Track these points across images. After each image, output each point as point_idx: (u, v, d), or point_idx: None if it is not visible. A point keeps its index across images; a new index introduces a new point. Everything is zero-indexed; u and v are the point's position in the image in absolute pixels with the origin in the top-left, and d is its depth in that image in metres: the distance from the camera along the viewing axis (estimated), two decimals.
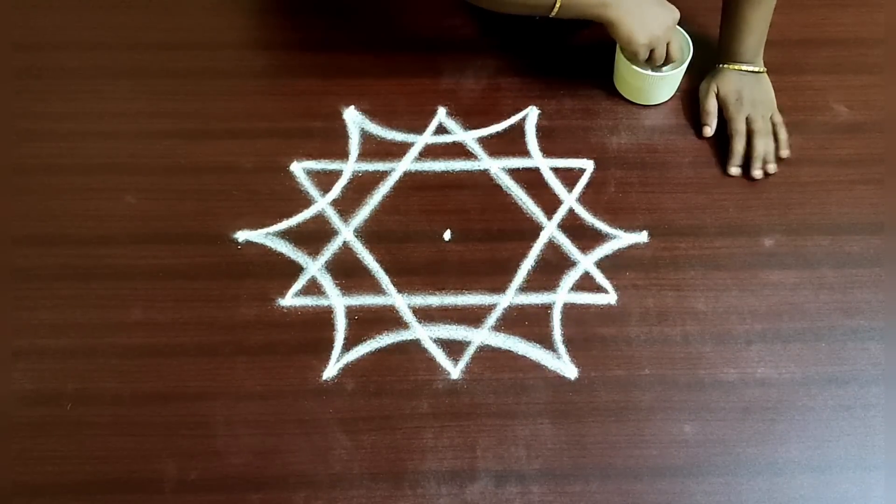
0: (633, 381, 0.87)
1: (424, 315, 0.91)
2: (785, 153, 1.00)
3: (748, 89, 1.01)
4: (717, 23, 1.03)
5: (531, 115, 1.04)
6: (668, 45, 0.97)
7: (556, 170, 1.00)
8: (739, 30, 1.00)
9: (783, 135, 1.00)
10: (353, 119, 1.03)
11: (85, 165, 1.00)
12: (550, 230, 0.96)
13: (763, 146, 0.99)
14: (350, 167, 1.00)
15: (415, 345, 0.89)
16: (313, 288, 0.92)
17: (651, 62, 0.98)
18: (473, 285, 0.92)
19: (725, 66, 1.02)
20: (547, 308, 0.91)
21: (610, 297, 0.92)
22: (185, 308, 0.91)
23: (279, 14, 1.13)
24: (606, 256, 0.94)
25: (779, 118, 1.02)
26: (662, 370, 0.87)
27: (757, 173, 0.99)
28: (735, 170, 0.99)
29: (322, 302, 0.91)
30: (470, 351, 0.89)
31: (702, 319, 0.90)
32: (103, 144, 1.02)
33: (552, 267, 0.93)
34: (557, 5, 0.93)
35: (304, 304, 0.91)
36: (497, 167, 1.00)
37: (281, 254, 0.94)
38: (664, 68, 1.02)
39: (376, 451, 0.83)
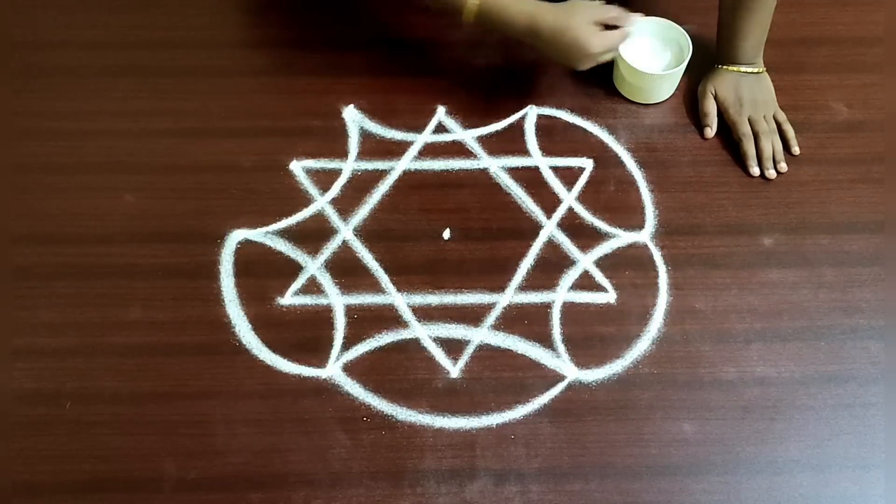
0: (633, 379, 0.87)
1: (424, 314, 0.91)
2: (795, 150, 1.00)
3: (747, 90, 1.01)
4: (717, 21, 1.03)
5: (531, 113, 1.04)
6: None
7: (555, 169, 1.00)
8: (735, 36, 1.00)
9: (790, 132, 1.01)
10: (353, 118, 1.03)
11: (84, 164, 1.00)
12: (550, 229, 0.96)
13: (769, 147, 0.99)
14: (349, 166, 1.00)
15: (414, 344, 0.89)
16: (313, 287, 0.92)
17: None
18: (473, 284, 0.92)
19: (723, 67, 1.02)
20: (546, 307, 0.91)
21: (609, 296, 0.92)
22: (184, 307, 0.90)
23: (278, 12, 1.13)
24: (606, 255, 0.94)
25: (782, 116, 1.02)
26: (662, 369, 0.87)
27: (770, 173, 0.99)
28: (756, 169, 0.99)
29: (321, 301, 0.91)
30: (469, 350, 0.89)
31: (701, 318, 0.90)
32: (102, 143, 1.02)
33: (551, 266, 0.93)
34: (470, 6, 0.90)
35: (303, 303, 0.91)
36: (496, 166, 1.00)
37: (280, 253, 0.94)
38: (661, 69, 1.02)
39: (376, 450, 0.83)
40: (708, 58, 1.04)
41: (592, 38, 0.91)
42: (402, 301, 0.91)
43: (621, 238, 0.95)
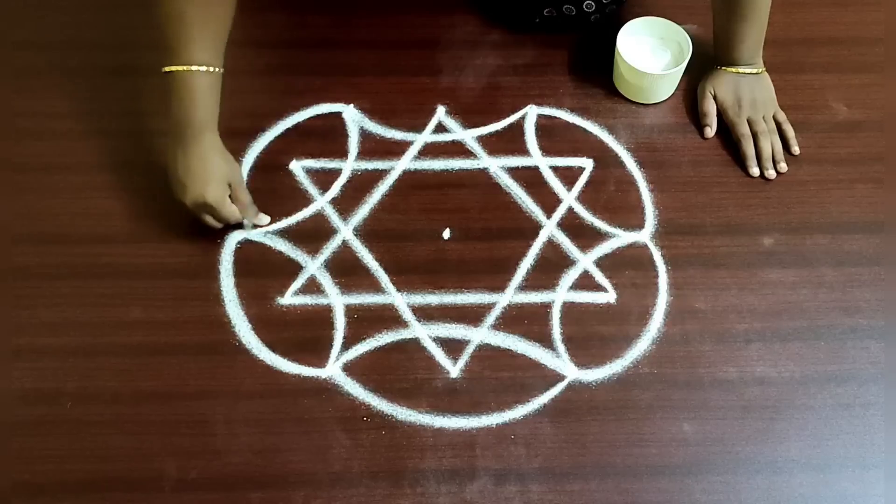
0: (633, 379, 0.87)
1: (424, 314, 0.91)
2: (795, 150, 1.00)
3: (746, 90, 1.01)
4: (712, 25, 1.03)
5: (530, 113, 1.04)
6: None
7: (555, 168, 1.00)
8: (730, 40, 1.00)
9: (790, 132, 1.01)
10: (353, 118, 1.03)
11: (84, 164, 1.00)
12: (550, 229, 0.96)
13: (768, 147, 0.99)
14: (349, 166, 1.00)
15: (414, 343, 0.89)
16: (312, 287, 0.92)
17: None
18: (473, 284, 0.92)
19: (722, 68, 1.02)
20: (546, 307, 0.91)
21: (609, 296, 0.92)
22: (184, 307, 0.90)
23: (278, 12, 1.13)
24: (606, 255, 0.94)
25: (782, 116, 1.02)
26: (662, 369, 0.87)
27: (770, 174, 0.99)
28: (756, 170, 0.99)
29: (321, 301, 0.91)
30: (469, 350, 0.89)
31: (701, 318, 0.90)
32: (102, 143, 1.01)
33: (551, 266, 0.93)
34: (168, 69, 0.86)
35: (303, 303, 0.91)
36: (496, 166, 1.00)
37: (280, 252, 0.94)
38: (660, 69, 1.02)
39: (376, 450, 0.83)
40: (708, 58, 1.04)
41: (216, 189, 0.88)
42: (402, 301, 0.91)
43: (621, 238, 0.95)
